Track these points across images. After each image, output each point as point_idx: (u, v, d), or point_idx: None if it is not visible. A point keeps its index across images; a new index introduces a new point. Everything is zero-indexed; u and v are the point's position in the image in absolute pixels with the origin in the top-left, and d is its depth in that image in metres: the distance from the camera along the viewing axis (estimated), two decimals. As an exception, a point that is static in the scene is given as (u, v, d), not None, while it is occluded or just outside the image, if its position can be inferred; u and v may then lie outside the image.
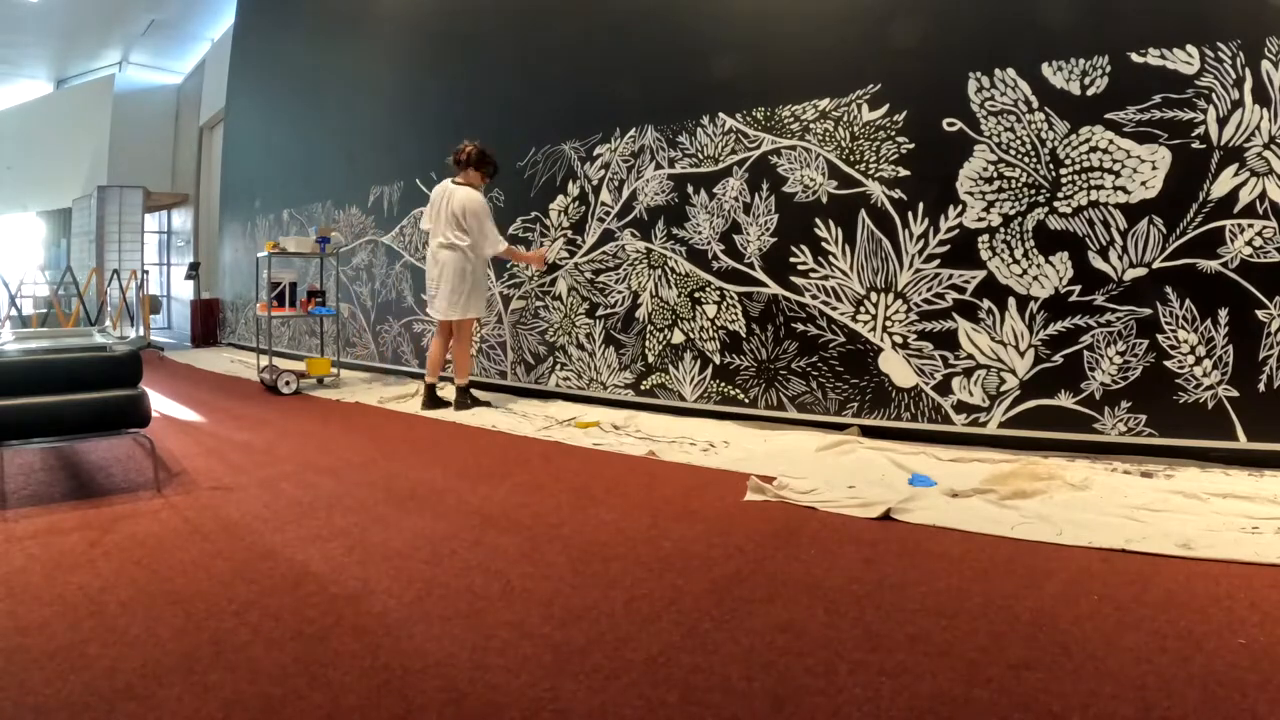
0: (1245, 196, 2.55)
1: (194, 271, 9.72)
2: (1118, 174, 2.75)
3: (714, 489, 2.63)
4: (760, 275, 3.65)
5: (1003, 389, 3.02)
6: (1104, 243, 2.79)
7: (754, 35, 3.73)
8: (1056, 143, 2.86)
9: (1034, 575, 1.77)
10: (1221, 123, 2.57)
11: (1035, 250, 2.92)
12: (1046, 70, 2.87)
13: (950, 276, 3.11)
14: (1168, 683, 1.26)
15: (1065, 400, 2.89)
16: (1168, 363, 2.71)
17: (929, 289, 3.16)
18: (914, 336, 3.21)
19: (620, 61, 4.30)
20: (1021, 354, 2.97)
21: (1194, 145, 2.61)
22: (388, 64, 6.20)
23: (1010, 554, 1.92)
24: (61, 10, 9.67)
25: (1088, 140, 2.80)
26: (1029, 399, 2.96)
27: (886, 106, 3.26)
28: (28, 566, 1.91)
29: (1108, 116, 2.75)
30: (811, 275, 3.49)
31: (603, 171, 4.33)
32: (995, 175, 2.99)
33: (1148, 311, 2.73)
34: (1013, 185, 2.96)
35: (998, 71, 2.97)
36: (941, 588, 1.71)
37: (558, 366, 4.65)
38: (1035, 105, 2.89)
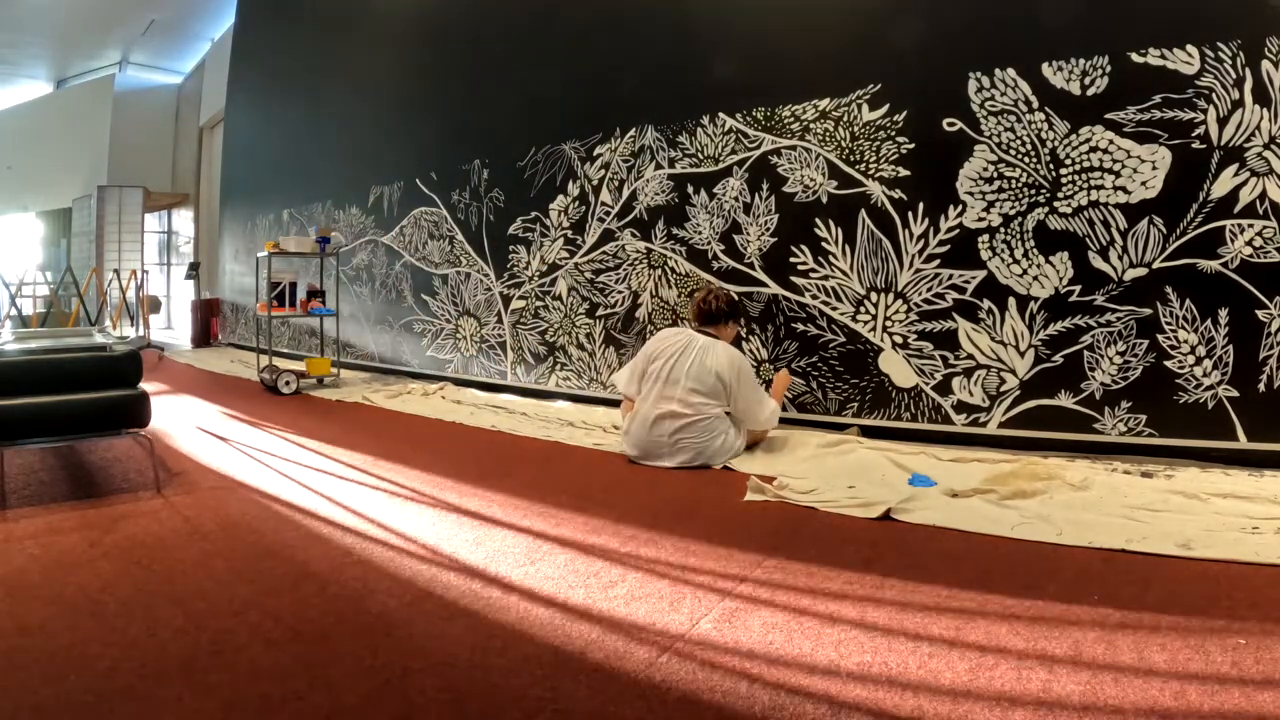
0: (1245, 196, 2.55)
1: (194, 271, 9.71)
2: (1118, 174, 2.75)
3: (714, 489, 2.63)
4: (760, 275, 3.65)
5: (1003, 389, 3.01)
6: (1104, 243, 2.79)
7: (754, 35, 3.73)
8: (1057, 143, 2.86)
9: (1034, 575, 1.77)
10: (1221, 123, 2.57)
11: (1035, 250, 2.92)
12: (1046, 70, 2.87)
13: (950, 276, 3.11)
14: (1168, 683, 1.26)
15: (1065, 400, 2.89)
16: (1168, 363, 2.71)
17: (929, 289, 3.16)
18: (914, 336, 3.21)
19: (620, 61, 4.30)
20: (1021, 354, 2.97)
21: (1194, 145, 2.61)
22: (387, 64, 6.20)
23: (1010, 554, 1.92)
24: (61, 10, 9.67)
25: (1088, 140, 2.80)
26: (1029, 399, 2.96)
27: (886, 106, 3.26)
28: (28, 566, 1.91)
29: (1108, 116, 2.75)
30: (811, 275, 3.49)
31: (603, 171, 4.33)
32: (995, 175, 2.99)
33: (1148, 311, 2.73)
34: (1013, 185, 2.96)
35: (998, 71, 2.97)
36: (941, 588, 1.71)
37: (558, 366, 4.65)
38: (1035, 105, 2.89)
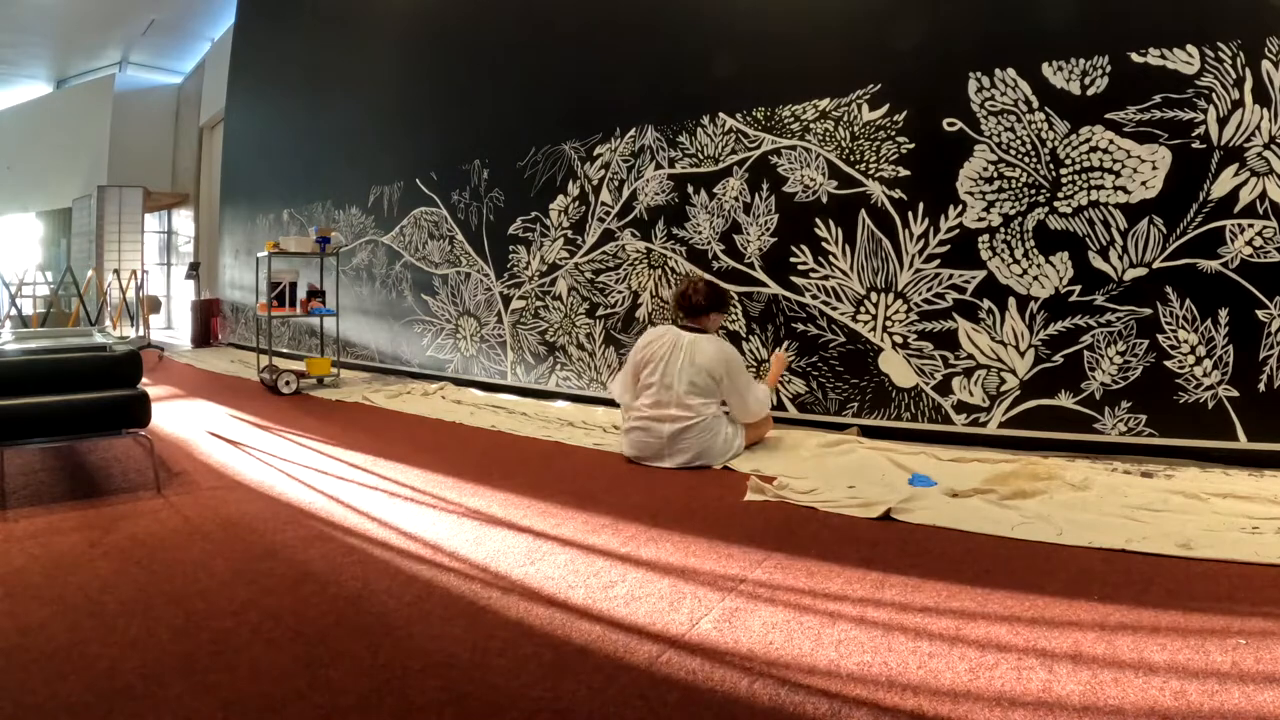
0: (1245, 196, 2.55)
1: (194, 271, 9.71)
2: (1118, 174, 2.75)
3: (714, 489, 2.63)
4: (760, 275, 3.65)
5: (1003, 389, 3.01)
6: (1104, 243, 2.79)
7: (754, 35, 3.73)
8: (1057, 143, 2.86)
9: (1034, 575, 1.77)
10: (1222, 123, 2.57)
11: (1035, 250, 2.92)
12: (1046, 70, 2.87)
13: (950, 276, 3.11)
14: (1168, 683, 1.26)
15: (1065, 400, 2.89)
16: (1168, 363, 2.71)
17: (929, 289, 3.16)
18: (914, 336, 3.21)
19: (620, 61, 4.30)
20: (1021, 354, 2.97)
21: (1194, 145, 2.61)
22: (387, 64, 6.20)
23: (1010, 554, 1.92)
24: (61, 10, 9.66)
25: (1088, 140, 2.80)
26: (1029, 399, 2.96)
27: (886, 106, 3.26)
28: (28, 566, 1.90)
29: (1108, 116, 2.75)
30: (812, 275, 3.49)
31: (603, 171, 4.33)
32: (995, 175, 2.99)
33: (1148, 311, 2.73)
34: (1013, 185, 2.96)
35: (998, 71, 2.97)
36: (941, 588, 1.71)
37: (558, 366, 4.65)
38: (1035, 105, 2.89)
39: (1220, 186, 2.58)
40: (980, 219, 3.03)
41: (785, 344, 3.56)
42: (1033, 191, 2.91)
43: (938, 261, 3.14)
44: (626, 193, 4.21)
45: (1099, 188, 2.79)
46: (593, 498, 2.53)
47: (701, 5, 3.96)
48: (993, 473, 2.59)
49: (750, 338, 3.70)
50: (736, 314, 3.72)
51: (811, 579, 1.79)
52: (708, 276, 3.71)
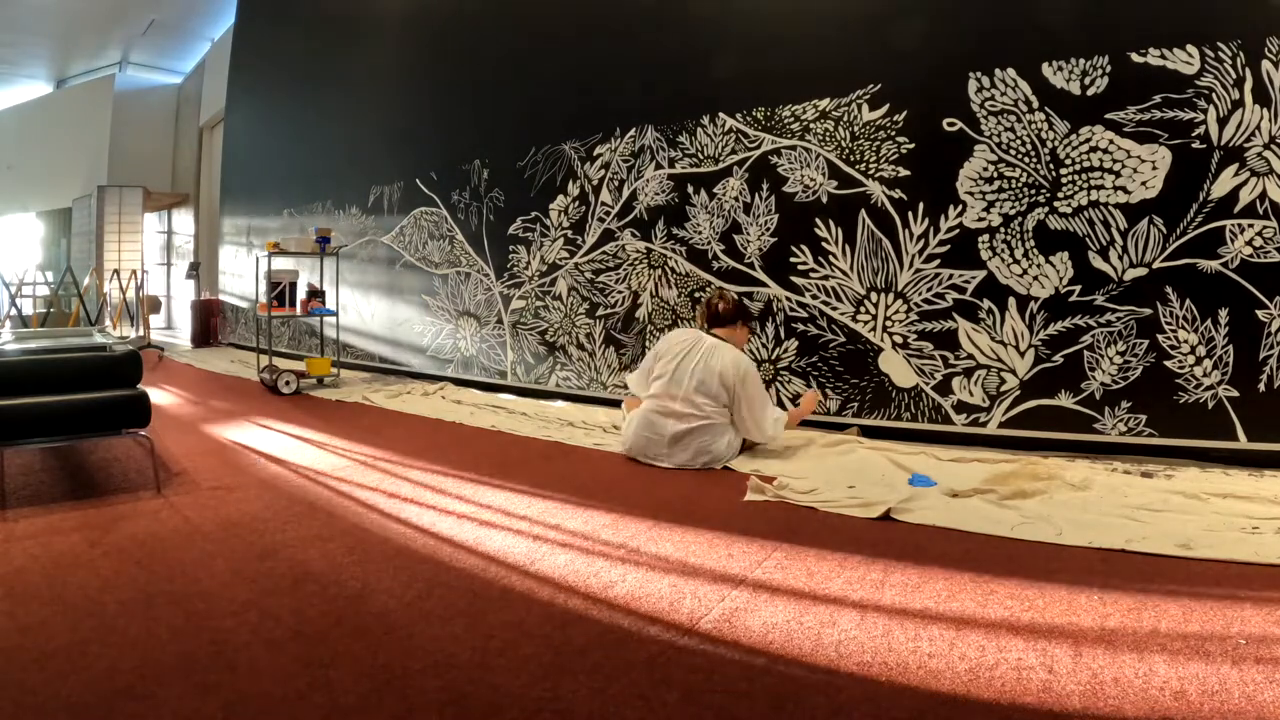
0: (1245, 196, 2.55)
1: (194, 271, 9.71)
2: (1118, 174, 2.75)
3: (714, 489, 2.63)
4: (760, 275, 3.65)
5: (1003, 389, 3.01)
6: (1104, 243, 2.79)
7: (754, 35, 3.73)
8: (1057, 143, 2.86)
9: (1034, 575, 1.77)
10: (1222, 123, 2.57)
11: (1035, 250, 2.92)
12: (1046, 70, 2.87)
13: (950, 276, 3.11)
14: (1168, 683, 1.26)
15: (1065, 400, 2.89)
16: (1168, 363, 2.71)
17: (929, 289, 3.16)
18: (914, 336, 3.21)
19: (620, 61, 4.30)
20: (1021, 354, 2.97)
21: (1194, 145, 2.61)
22: (388, 64, 6.20)
23: (1010, 554, 1.92)
24: (61, 10, 9.66)
25: (1088, 140, 2.80)
26: (1029, 399, 2.96)
27: (886, 106, 3.26)
28: (28, 566, 1.90)
29: (1108, 116, 2.75)
30: (812, 275, 3.49)
31: (603, 171, 4.33)
32: (995, 175, 2.99)
33: (1148, 311, 2.73)
34: (1013, 185, 2.96)
35: (998, 71, 2.97)
36: (941, 588, 1.71)
37: (558, 366, 4.65)
38: (1035, 105, 2.89)
39: (1220, 186, 2.58)
40: (980, 219, 3.03)
41: (820, 388, 3.46)
42: (1033, 191, 2.91)
43: (938, 261, 3.14)
44: (626, 193, 4.21)
45: (1099, 188, 2.79)
46: (593, 497, 2.53)
47: (701, 5, 3.96)
48: (993, 473, 2.59)
49: (750, 338, 3.69)
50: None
51: (811, 579, 1.79)
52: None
